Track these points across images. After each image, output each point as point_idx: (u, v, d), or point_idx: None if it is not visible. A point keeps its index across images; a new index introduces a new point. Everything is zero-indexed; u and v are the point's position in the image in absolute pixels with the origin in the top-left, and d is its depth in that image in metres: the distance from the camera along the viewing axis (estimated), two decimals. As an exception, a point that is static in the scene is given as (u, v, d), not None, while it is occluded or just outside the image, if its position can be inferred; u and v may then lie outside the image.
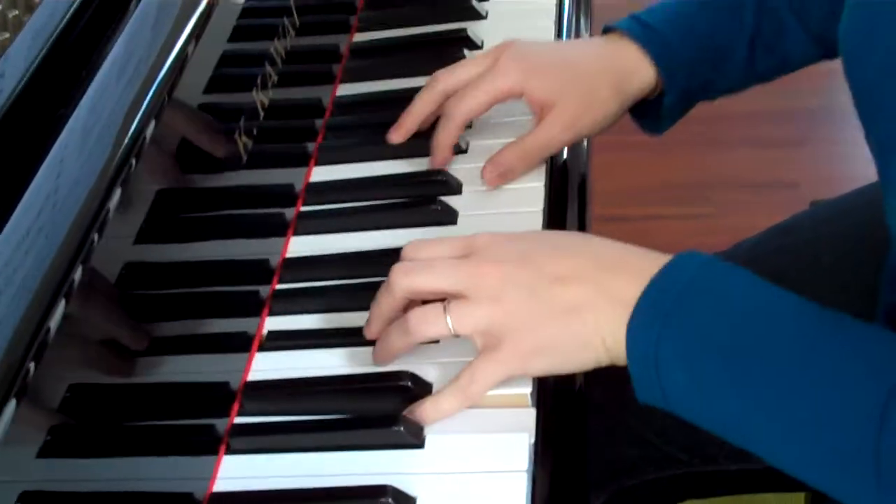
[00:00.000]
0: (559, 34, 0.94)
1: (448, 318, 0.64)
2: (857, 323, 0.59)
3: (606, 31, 0.83)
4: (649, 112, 0.84)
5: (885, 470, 0.53)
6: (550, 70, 0.79)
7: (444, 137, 0.80)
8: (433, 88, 0.81)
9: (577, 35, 0.95)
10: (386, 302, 0.67)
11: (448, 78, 0.80)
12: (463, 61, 0.83)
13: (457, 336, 0.64)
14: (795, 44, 0.83)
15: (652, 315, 0.60)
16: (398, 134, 0.82)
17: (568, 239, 0.68)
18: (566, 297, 0.62)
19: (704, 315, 0.59)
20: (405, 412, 0.64)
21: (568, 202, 0.81)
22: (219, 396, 0.68)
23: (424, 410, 0.64)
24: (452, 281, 0.64)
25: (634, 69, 0.80)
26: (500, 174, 0.78)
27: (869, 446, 0.53)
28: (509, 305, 0.63)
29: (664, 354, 0.59)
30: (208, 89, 0.71)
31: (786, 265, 0.87)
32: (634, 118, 0.86)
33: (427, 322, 0.64)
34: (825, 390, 0.56)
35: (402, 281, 0.65)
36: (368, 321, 0.69)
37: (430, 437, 0.64)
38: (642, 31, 0.81)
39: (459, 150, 0.83)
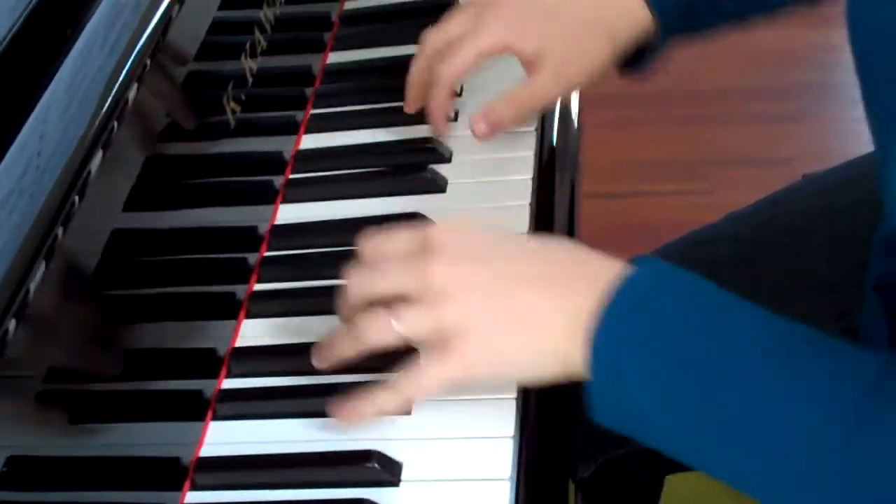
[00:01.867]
0: None
1: (394, 321, 0.61)
2: (820, 335, 0.56)
3: None
4: (633, 54, 0.80)
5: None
6: (536, 23, 0.77)
7: (435, 104, 0.78)
8: (423, 51, 0.79)
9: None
10: (342, 309, 0.64)
11: (436, 36, 0.79)
12: (450, 16, 0.80)
13: (405, 340, 0.61)
14: None
15: (614, 326, 0.57)
16: (410, 106, 0.80)
17: (527, 243, 0.65)
18: (521, 303, 0.60)
19: (667, 324, 0.57)
20: (337, 406, 0.63)
21: (556, 175, 0.81)
22: (206, 362, 0.68)
23: (359, 406, 0.62)
24: (404, 283, 0.61)
25: (628, 14, 0.77)
26: (488, 123, 0.76)
27: (835, 466, 0.52)
28: (459, 308, 0.60)
29: (627, 370, 0.56)
30: (198, 56, 0.71)
31: (777, 236, 0.87)
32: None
33: (375, 326, 0.62)
34: (795, 406, 0.54)
35: (356, 287, 0.63)
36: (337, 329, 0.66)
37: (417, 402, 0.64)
38: None
39: (450, 118, 0.82)
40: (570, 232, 0.78)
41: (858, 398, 0.52)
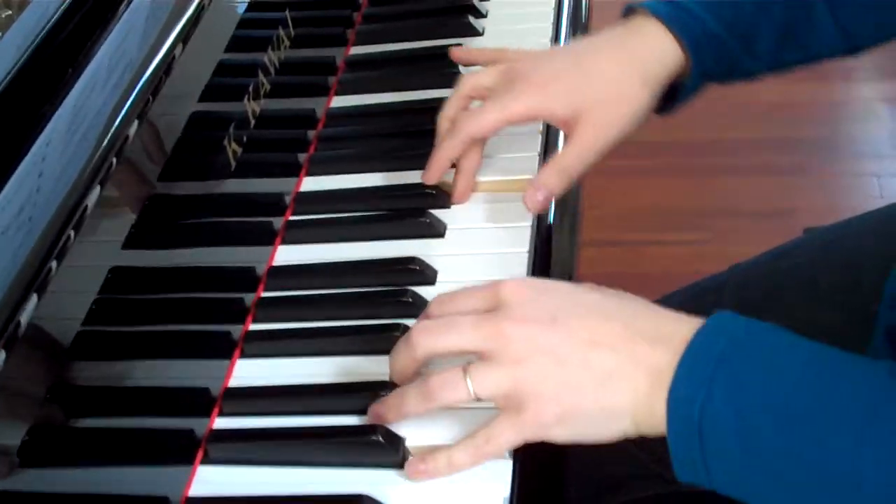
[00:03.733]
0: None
1: (468, 381, 0.60)
2: None
3: (628, 10, 0.79)
4: (666, 94, 0.80)
5: None
6: (569, 85, 0.76)
7: (445, 151, 0.78)
8: (457, 94, 0.80)
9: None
10: (406, 359, 0.63)
11: (469, 82, 0.79)
12: (483, 70, 0.80)
13: (478, 399, 0.61)
14: (823, 37, 0.79)
15: (694, 382, 0.56)
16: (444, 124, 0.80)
17: (600, 299, 0.63)
18: (596, 364, 0.59)
19: (752, 376, 0.56)
20: (414, 461, 0.62)
21: (556, 223, 0.80)
22: (199, 402, 0.68)
23: (437, 462, 0.61)
24: (475, 341, 0.61)
25: (661, 54, 0.77)
26: (543, 196, 0.75)
27: None
28: (534, 370, 0.59)
29: (708, 422, 0.56)
30: (201, 97, 0.71)
31: (781, 288, 0.87)
32: None
33: (447, 387, 0.60)
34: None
35: (424, 341, 0.62)
36: (390, 372, 0.66)
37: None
38: (669, 8, 0.77)
39: (452, 165, 0.82)
40: (569, 278, 0.78)
41: None
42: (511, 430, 0.60)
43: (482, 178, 0.81)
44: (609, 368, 0.59)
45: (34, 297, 0.52)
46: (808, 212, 1.84)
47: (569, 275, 0.78)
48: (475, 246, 0.76)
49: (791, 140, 2.06)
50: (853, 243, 0.88)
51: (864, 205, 1.72)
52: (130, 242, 0.62)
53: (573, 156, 0.76)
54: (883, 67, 2.10)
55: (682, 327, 0.59)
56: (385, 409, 0.64)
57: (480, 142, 0.79)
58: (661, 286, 0.98)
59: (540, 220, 0.78)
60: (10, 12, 0.70)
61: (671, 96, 0.80)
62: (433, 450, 0.62)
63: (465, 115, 0.78)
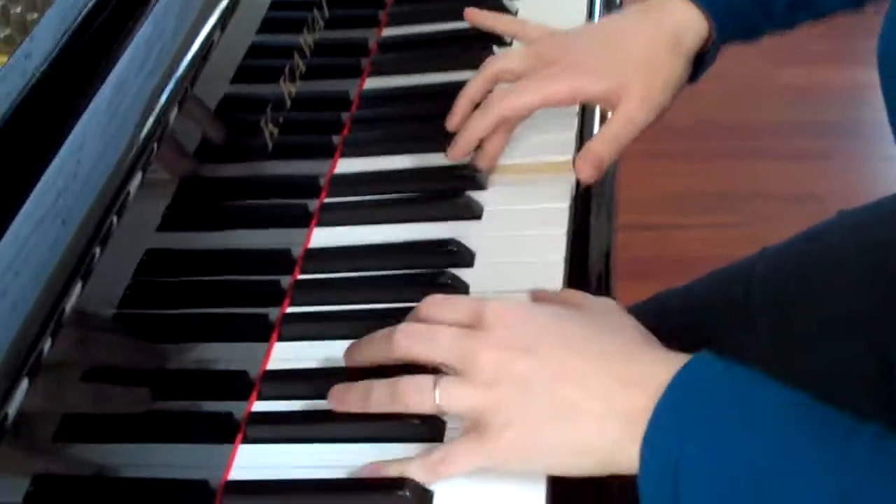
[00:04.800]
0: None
1: (437, 392, 0.60)
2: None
3: None
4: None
5: None
6: (602, 63, 0.77)
7: (476, 128, 0.78)
8: (482, 74, 0.79)
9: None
10: (381, 350, 0.64)
11: (498, 64, 0.79)
12: (514, 51, 0.81)
13: (442, 413, 0.61)
14: None
15: (670, 432, 0.55)
16: (452, 122, 0.80)
17: (581, 330, 0.61)
18: (564, 398, 0.58)
19: (729, 434, 0.55)
20: (369, 466, 0.62)
21: (593, 205, 0.80)
22: (237, 385, 0.67)
23: (388, 472, 0.61)
24: (449, 357, 0.61)
25: (687, 23, 0.78)
26: (594, 167, 0.76)
27: None
28: (502, 396, 0.59)
29: (684, 473, 0.54)
30: (236, 78, 0.71)
31: (811, 271, 0.86)
32: None
33: (415, 392, 0.61)
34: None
35: (403, 344, 0.62)
36: (355, 351, 0.66)
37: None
38: None
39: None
40: (607, 263, 0.77)
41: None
42: (469, 453, 0.60)
43: (519, 161, 0.80)
44: (576, 404, 0.58)
45: (78, 284, 0.51)
46: (837, 195, 1.82)
47: (606, 257, 0.78)
48: (512, 228, 0.76)
49: (817, 124, 2.04)
50: (884, 225, 0.87)
51: (892, 187, 1.71)
52: (166, 224, 0.62)
53: (620, 125, 0.76)
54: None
55: (658, 370, 0.57)
56: (349, 396, 0.64)
57: (509, 124, 0.79)
58: (691, 269, 0.97)
59: (577, 201, 0.78)
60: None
61: (696, 65, 0.80)
62: (387, 461, 0.62)
63: (499, 93, 0.78)
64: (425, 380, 0.61)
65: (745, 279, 0.88)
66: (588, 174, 0.76)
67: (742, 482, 0.54)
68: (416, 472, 0.60)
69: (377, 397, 0.62)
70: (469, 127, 0.78)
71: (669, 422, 0.56)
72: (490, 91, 0.80)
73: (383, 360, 0.64)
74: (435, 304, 0.64)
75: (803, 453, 0.54)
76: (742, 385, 0.57)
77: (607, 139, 0.76)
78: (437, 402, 0.60)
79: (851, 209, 0.95)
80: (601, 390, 0.58)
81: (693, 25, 0.78)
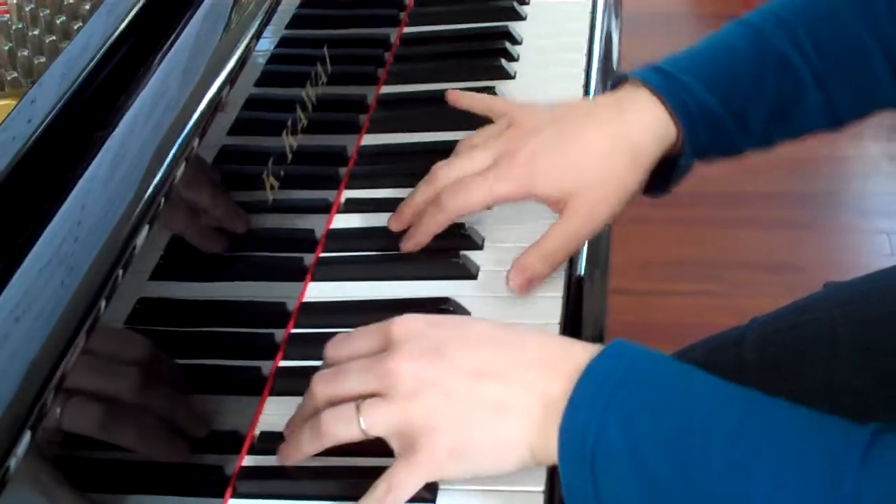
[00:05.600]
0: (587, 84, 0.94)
1: (360, 417, 0.60)
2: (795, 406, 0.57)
3: (618, 80, 0.77)
4: (655, 173, 0.77)
5: None
6: (555, 166, 0.73)
7: (429, 225, 0.76)
8: (431, 183, 0.77)
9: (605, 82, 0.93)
10: (308, 406, 0.64)
11: (448, 173, 0.76)
12: (463, 149, 0.78)
13: (370, 437, 0.61)
14: (810, 112, 0.77)
15: (588, 411, 0.56)
16: (395, 224, 0.79)
17: (489, 329, 0.62)
18: (485, 395, 0.59)
19: (644, 405, 0.56)
20: None
21: (586, 268, 0.80)
22: (229, 437, 0.67)
23: None
24: (367, 383, 0.61)
25: (653, 127, 0.73)
26: (525, 279, 0.73)
27: None
28: (423, 404, 0.59)
29: (602, 451, 0.55)
30: (242, 131, 0.71)
31: (802, 343, 0.87)
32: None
33: (339, 422, 0.60)
34: (780, 470, 0.53)
35: (321, 390, 0.62)
36: (293, 416, 0.65)
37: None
38: (662, 80, 0.74)
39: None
40: (600, 325, 0.77)
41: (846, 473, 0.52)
42: (407, 470, 0.59)
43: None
44: (498, 398, 0.59)
45: (83, 339, 0.51)
46: (820, 267, 1.84)
47: (600, 320, 0.78)
48: (507, 289, 0.76)
49: (801, 195, 2.06)
50: (874, 302, 0.88)
51: (877, 262, 1.72)
52: (159, 273, 0.61)
53: (559, 242, 0.73)
54: (890, 126, 2.12)
55: (574, 354, 0.59)
56: (287, 449, 0.64)
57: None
58: (672, 336, 0.98)
59: (572, 265, 0.78)
60: (53, 38, 0.71)
61: (661, 172, 0.77)
62: None
63: (451, 190, 0.75)
64: (346, 408, 0.61)
65: (735, 348, 0.89)
66: (519, 287, 0.73)
67: (658, 456, 0.55)
68: None
69: (306, 440, 0.62)
70: (425, 225, 0.76)
71: (586, 401, 0.56)
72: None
73: (313, 414, 0.63)
74: (337, 344, 0.65)
75: (714, 414, 0.55)
76: (656, 364, 0.58)
77: (545, 256, 0.73)
78: (363, 426, 0.60)
79: (838, 283, 0.96)
80: (520, 380, 0.59)
81: (658, 131, 0.74)
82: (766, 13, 0.78)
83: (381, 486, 0.60)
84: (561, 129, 0.75)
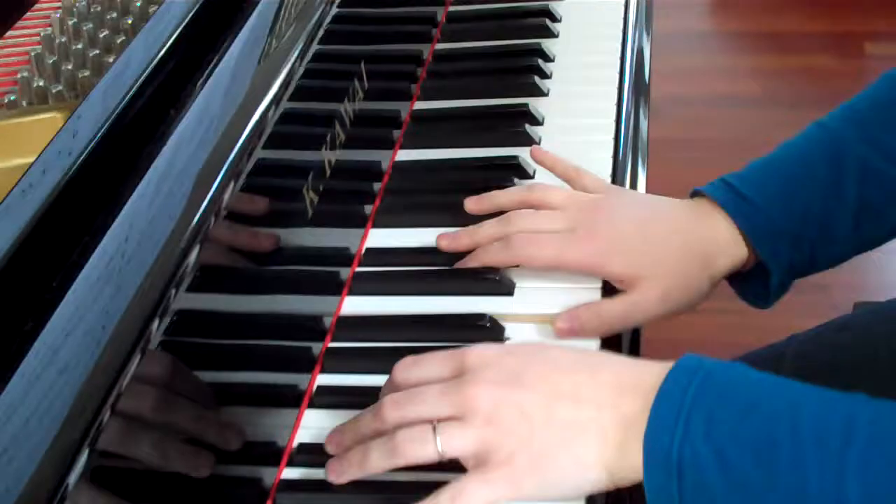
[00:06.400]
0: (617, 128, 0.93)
1: (438, 439, 0.60)
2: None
3: (695, 194, 0.78)
4: (751, 284, 0.79)
5: None
6: (635, 249, 0.74)
7: (491, 258, 0.77)
8: (505, 225, 0.77)
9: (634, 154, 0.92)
10: (371, 427, 0.63)
11: (525, 221, 0.77)
12: (541, 197, 0.78)
13: (446, 459, 0.61)
14: None
15: (670, 424, 0.57)
16: (453, 245, 0.79)
17: (561, 355, 0.63)
18: (562, 417, 0.60)
19: (726, 413, 0.57)
20: None
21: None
22: (266, 454, 0.67)
23: None
24: (444, 409, 0.61)
25: (725, 246, 0.75)
26: (570, 328, 0.72)
27: None
28: (504, 429, 0.60)
29: (688, 462, 0.56)
30: (283, 145, 0.71)
31: (841, 361, 0.87)
32: (734, 288, 0.81)
33: (415, 443, 0.60)
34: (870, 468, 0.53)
35: (393, 415, 0.62)
36: (341, 435, 0.65)
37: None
38: (736, 203, 0.75)
39: None
40: (636, 338, 0.78)
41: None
42: (479, 487, 0.60)
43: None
44: (575, 420, 0.60)
45: (137, 357, 0.51)
46: (845, 287, 1.83)
47: (636, 336, 0.78)
48: (544, 305, 0.76)
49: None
50: None
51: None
52: (196, 285, 0.61)
53: (619, 309, 0.73)
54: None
55: (645, 375, 0.60)
56: (347, 465, 0.63)
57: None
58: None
59: (605, 283, 0.78)
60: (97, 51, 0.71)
61: (760, 288, 0.78)
62: None
63: (525, 238, 0.75)
64: (423, 429, 0.61)
65: (775, 362, 0.89)
66: (562, 331, 0.73)
67: (745, 460, 0.55)
68: None
69: (376, 457, 0.62)
70: (487, 254, 0.77)
71: (667, 416, 0.57)
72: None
73: (372, 436, 0.63)
74: (407, 367, 0.65)
75: (801, 414, 0.56)
76: (731, 373, 0.59)
77: (599, 317, 0.73)
78: (440, 448, 0.60)
79: (870, 303, 0.96)
80: (596, 401, 0.60)
81: (729, 249, 0.75)
82: (843, 111, 0.79)
83: (446, 494, 0.60)
84: (643, 219, 0.76)
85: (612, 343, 0.74)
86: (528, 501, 0.60)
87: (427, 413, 0.62)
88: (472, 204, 0.81)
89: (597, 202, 0.77)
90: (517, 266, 0.78)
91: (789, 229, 0.75)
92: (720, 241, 0.75)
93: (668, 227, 0.76)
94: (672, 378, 0.59)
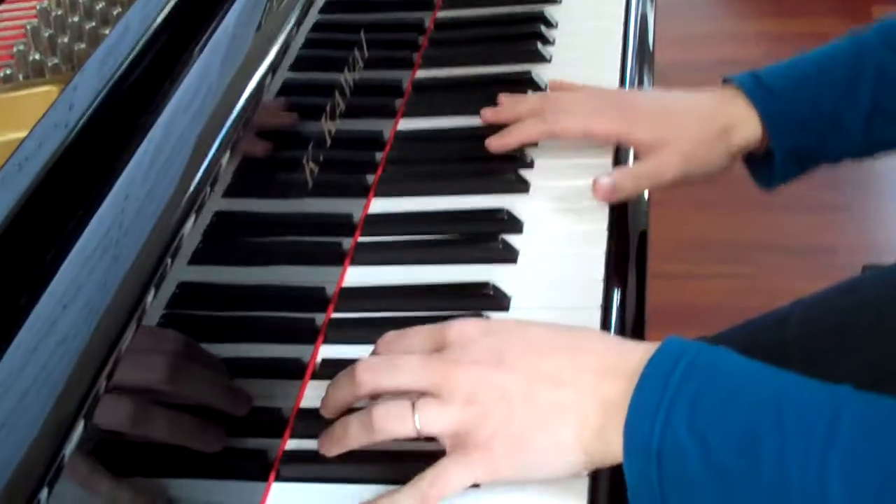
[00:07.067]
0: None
1: (416, 416, 0.60)
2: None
3: (725, 81, 0.85)
4: (762, 167, 0.85)
5: None
6: (658, 116, 0.82)
7: (527, 134, 0.83)
8: (542, 100, 0.85)
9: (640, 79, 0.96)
10: (348, 392, 0.63)
11: (561, 97, 0.85)
12: (569, 94, 0.86)
13: (422, 436, 0.60)
14: None
15: (652, 409, 0.56)
16: (494, 116, 0.86)
17: (545, 334, 0.63)
18: (542, 399, 0.59)
19: (710, 400, 0.56)
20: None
21: (629, 251, 0.80)
22: (271, 422, 0.67)
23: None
24: (421, 381, 0.61)
25: (740, 122, 0.81)
26: (610, 189, 0.79)
27: None
28: (483, 409, 0.59)
29: (668, 448, 0.55)
30: (283, 116, 0.71)
31: (848, 325, 0.86)
32: (748, 168, 0.87)
33: (393, 419, 0.60)
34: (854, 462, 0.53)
35: (367, 378, 0.62)
36: (324, 402, 0.65)
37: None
38: (754, 86, 0.82)
39: (521, 189, 0.82)
40: (640, 305, 0.77)
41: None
42: (459, 469, 0.59)
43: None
44: (555, 402, 0.59)
45: (133, 328, 0.51)
46: (853, 249, 1.83)
47: (640, 301, 0.77)
48: (548, 271, 0.75)
49: (834, 176, 2.04)
50: None
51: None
52: (199, 257, 0.61)
53: (649, 170, 0.80)
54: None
55: (628, 357, 0.59)
56: (328, 440, 0.63)
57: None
58: (704, 319, 0.97)
59: (611, 245, 0.78)
60: (93, 23, 0.71)
61: (768, 169, 0.84)
62: (379, 496, 0.61)
63: (558, 108, 0.83)
64: (402, 405, 0.60)
65: (779, 329, 0.88)
66: (603, 190, 0.79)
67: (728, 450, 0.54)
68: (406, 502, 0.60)
69: (354, 432, 0.62)
70: (521, 130, 0.83)
71: (649, 401, 0.56)
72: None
73: (352, 401, 0.63)
74: (390, 341, 0.65)
75: (785, 405, 0.55)
76: (716, 359, 0.58)
77: (634, 175, 0.80)
78: (418, 425, 0.60)
79: (879, 265, 0.95)
80: (576, 385, 0.59)
81: (744, 125, 0.81)
82: (878, 27, 0.83)
83: (425, 478, 0.60)
84: (664, 96, 0.85)
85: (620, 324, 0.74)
86: (507, 483, 0.60)
87: (404, 383, 0.61)
88: (490, 114, 0.87)
89: (620, 90, 0.88)
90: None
91: (798, 115, 0.81)
92: (737, 116, 0.81)
93: (688, 103, 0.83)
94: (655, 362, 0.58)
